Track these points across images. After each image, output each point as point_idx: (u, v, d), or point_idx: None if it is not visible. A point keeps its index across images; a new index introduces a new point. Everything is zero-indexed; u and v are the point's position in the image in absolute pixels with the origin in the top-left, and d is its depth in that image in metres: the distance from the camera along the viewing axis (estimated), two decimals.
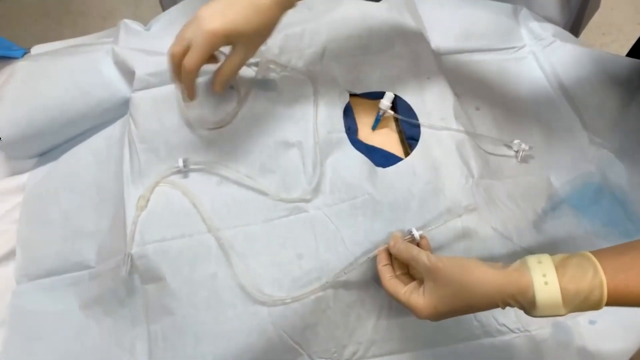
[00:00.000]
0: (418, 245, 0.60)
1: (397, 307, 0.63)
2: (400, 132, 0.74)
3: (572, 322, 0.65)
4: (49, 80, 0.75)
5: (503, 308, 0.49)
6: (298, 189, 0.66)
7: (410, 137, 0.72)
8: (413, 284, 0.55)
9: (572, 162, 0.76)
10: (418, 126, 0.72)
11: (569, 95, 0.82)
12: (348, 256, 0.62)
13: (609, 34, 1.76)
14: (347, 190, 0.66)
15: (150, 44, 0.78)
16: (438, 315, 0.52)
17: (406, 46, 0.77)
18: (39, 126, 0.74)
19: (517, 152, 0.75)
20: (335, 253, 0.62)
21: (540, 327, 0.64)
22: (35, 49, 0.91)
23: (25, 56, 0.87)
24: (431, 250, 0.61)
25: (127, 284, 0.64)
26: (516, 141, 0.74)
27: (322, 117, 0.69)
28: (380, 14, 0.79)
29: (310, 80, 0.71)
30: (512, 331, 0.63)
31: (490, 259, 0.64)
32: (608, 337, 0.64)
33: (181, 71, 0.58)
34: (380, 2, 0.81)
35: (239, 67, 0.60)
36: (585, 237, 0.69)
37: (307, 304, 0.60)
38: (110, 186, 0.70)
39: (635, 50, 0.93)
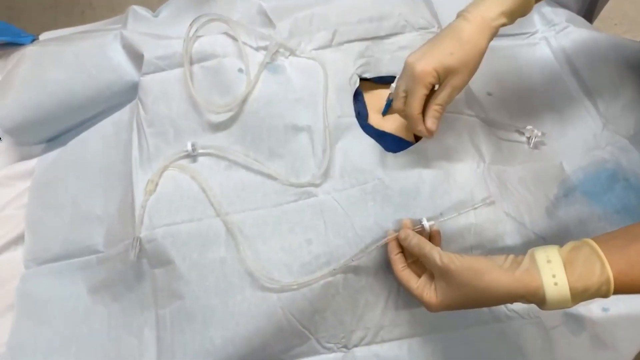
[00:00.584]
0: (430, 237, 0.59)
1: (406, 293, 0.62)
2: None
3: (584, 309, 0.64)
4: (58, 65, 0.75)
5: (512, 303, 0.51)
6: (307, 173, 0.66)
7: None
8: (425, 278, 0.55)
9: (585, 148, 0.75)
10: None
11: (582, 80, 0.80)
12: (357, 241, 0.61)
13: (621, 25, 1.74)
14: (357, 175, 0.65)
15: (158, 29, 0.78)
16: (449, 310, 0.53)
17: (417, 30, 0.76)
18: (47, 111, 0.74)
19: (529, 138, 0.73)
20: (345, 238, 0.62)
21: (550, 314, 0.63)
22: (44, 36, 0.91)
23: (34, 42, 0.87)
24: (441, 240, 0.60)
25: (136, 268, 0.64)
26: (528, 127, 0.73)
27: (332, 101, 0.68)
28: None
29: (319, 64, 0.71)
30: (522, 317, 0.62)
31: (502, 244, 0.64)
32: (621, 324, 0.63)
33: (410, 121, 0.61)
34: None
35: (450, 100, 0.59)
36: (598, 223, 0.68)
37: (316, 289, 0.60)
38: (119, 170, 0.70)
39: None
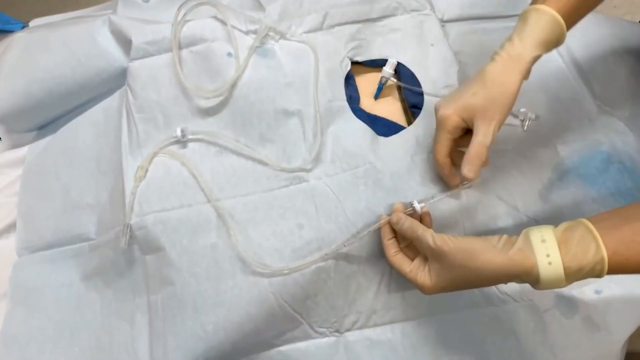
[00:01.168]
0: (420, 218, 0.59)
1: (398, 277, 0.62)
2: (403, 101, 0.72)
3: (577, 291, 0.63)
4: (46, 51, 0.74)
5: (506, 283, 0.51)
6: (298, 158, 0.65)
7: (413, 106, 0.70)
8: (418, 261, 0.55)
9: (580, 131, 0.74)
10: (421, 94, 0.70)
11: (577, 63, 0.79)
12: (349, 226, 0.61)
13: (620, 7, 1.71)
14: (349, 160, 0.65)
15: (148, 15, 0.78)
16: (443, 292, 0.53)
17: (409, 12, 0.75)
18: (37, 98, 0.73)
19: (522, 120, 0.73)
20: (336, 223, 0.61)
21: (543, 297, 0.63)
22: (34, 22, 0.90)
23: (23, 29, 0.86)
24: (432, 222, 0.60)
25: (127, 255, 0.63)
26: (522, 110, 0.72)
27: (323, 85, 0.68)
28: None
29: (310, 47, 0.70)
30: (515, 300, 0.62)
31: (495, 228, 0.63)
32: (613, 307, 0.63)
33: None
34: None
35: (486, 144, 0.56)
36: (592, 206, 0.67)
37: (307, 274, 0.59)
38: (110, 158, 0.70)
39: None
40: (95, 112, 0.75)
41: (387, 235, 0.58)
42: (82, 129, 0.75)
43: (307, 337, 0.62)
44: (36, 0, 1.80)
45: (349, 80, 0.71)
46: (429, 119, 0.68)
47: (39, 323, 0.66)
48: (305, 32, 0.72)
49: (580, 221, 0.49)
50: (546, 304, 0.63)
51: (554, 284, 0.48)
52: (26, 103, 0.73)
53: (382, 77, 0.71)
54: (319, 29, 0.72)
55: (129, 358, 0.62)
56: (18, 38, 0.78)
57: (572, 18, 0.58)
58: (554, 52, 0.81)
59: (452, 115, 0.56)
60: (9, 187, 0.76)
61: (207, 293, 0.59)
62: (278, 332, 0.61)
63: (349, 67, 0.71)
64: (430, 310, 0.63)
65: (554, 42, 0.58)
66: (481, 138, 0.56)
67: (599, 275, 0.47)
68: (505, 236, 0.51)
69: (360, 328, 0.62)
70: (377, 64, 0.73)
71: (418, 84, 0.71)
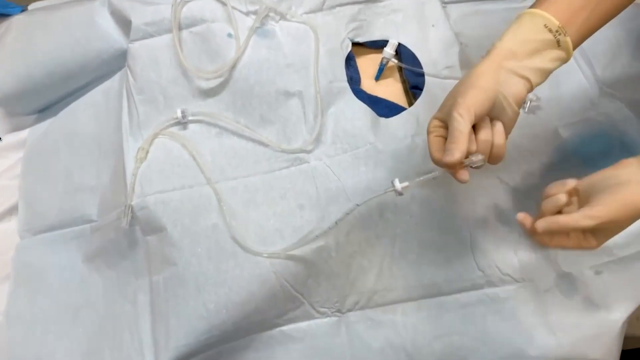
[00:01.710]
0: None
1: (400, 257, 0.62)
2: (404, 82, 0.72)
3: (577, 272, 0.64)
4: (46, 34, 0.74)
5: None
6: (299, 139, 0.65)
7: (414, 87, 0.70)
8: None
9: (582, 113, 0.74)
10: (422, 75, 0.70)
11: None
12: (350, 207, 0.61)
13: None
14: (349, 141, 0.64)
15: None
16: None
17: None
18: (37, 80, 0.73)
19: (524, 102, 0.72)
20: (337, 203, 0.61)
21: (544, 277, 0.63)
22: (33, 5, 0.90)
23: (22, 12, 0.85)
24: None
25: (129, 235, 0.64)
26: None
27: (323, 66, 0.67)
28: None
29: (310, 28, 0.69)
30: (516, 280, 0.62)
31: (495, 209, 0.63)
32: (613, 286, 0.63)
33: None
34: None
35: (460, 130, 0.48)
36: None
37: (308, 254, 0.59)
38: (110, 140, 0.70)
39: None
40: (96, 94, 0.75)
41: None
42: (83, 111, 0.75)
43: (309, 316, 0.62)
44: None
45: (350, 61, 0.71)
46: (430, 100, 0.67)
47: (43, 304, 0.67)
48: (305, 13, 0.71)
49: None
50: (546, 284, 0.63)
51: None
52: (26, 85, 0.73)
53: (383, 58, 0.71)
54: (319, 9, 0.72)
55: (132, 338, 0.62)
56: (17, 21, 0.77)
57: (578, 25, 0.55)
58: None
59: (434, 121, 0.52)
60: (10, 170, 0.76)
61: (209, 273, 0.59)
62: (280, 311, 0.61)
63: (349, 48, 0.71)
64: (431, 291, 0.63)
65: (549, 45, 0.54)
66: (455, 124, 0.49)
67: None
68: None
69: (362, 308, 0.63)
70: (378, 45, 0.73)
71: (419, 65, 0.71)
